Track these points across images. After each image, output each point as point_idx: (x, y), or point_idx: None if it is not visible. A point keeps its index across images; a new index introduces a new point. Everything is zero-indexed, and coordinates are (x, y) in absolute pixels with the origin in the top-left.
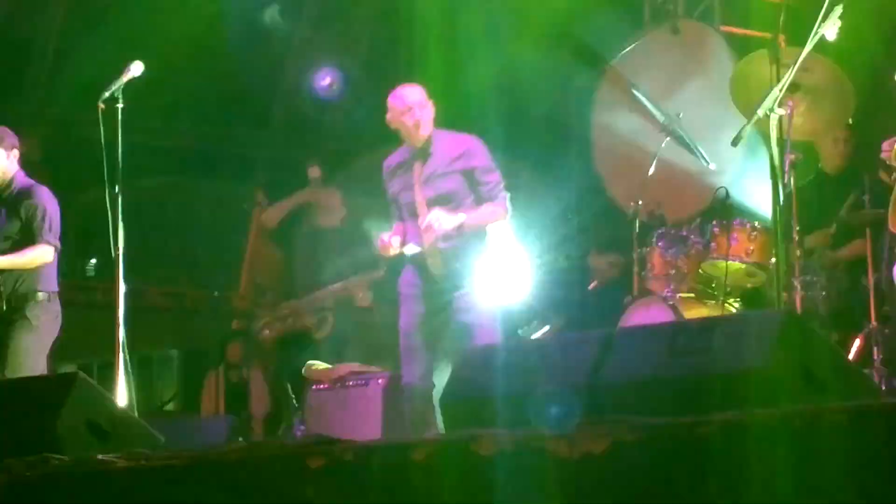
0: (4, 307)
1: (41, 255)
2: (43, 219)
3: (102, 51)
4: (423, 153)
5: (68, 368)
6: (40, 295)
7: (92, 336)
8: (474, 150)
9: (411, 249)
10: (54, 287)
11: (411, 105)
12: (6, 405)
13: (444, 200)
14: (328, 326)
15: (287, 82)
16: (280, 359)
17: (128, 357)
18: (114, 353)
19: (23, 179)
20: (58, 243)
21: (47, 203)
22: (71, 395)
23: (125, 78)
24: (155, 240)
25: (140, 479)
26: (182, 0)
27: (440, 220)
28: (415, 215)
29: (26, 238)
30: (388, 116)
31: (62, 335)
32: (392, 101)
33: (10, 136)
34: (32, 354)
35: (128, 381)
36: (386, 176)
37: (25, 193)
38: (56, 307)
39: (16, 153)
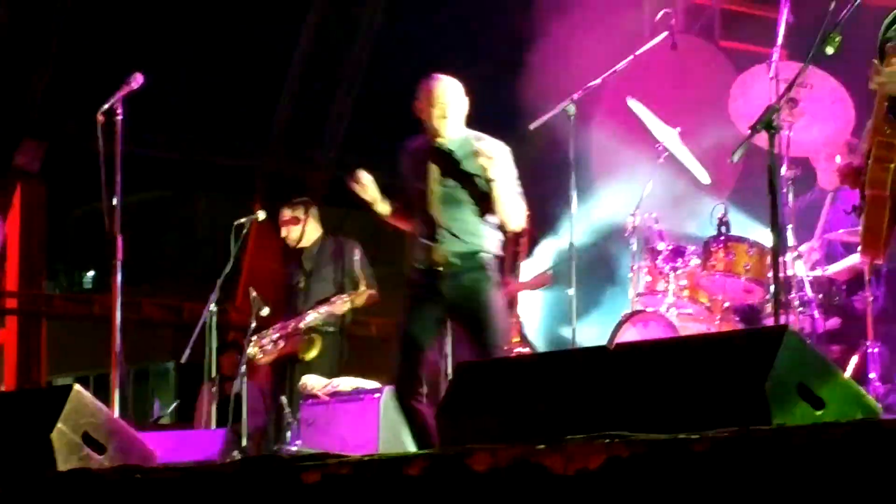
0: None
1: None
2: None
3: (102, 61)
4: (444, 149)
5: (65, 380)
6: None
7: (89, 348)
8: (493, 154)
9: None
10: None
11: (444, 97)
12: (2, 417)
13: (453, 201)
14: (315, 349)
15: (287, 95)
16: (275, 376)
17: (124, 370)
18: (110, 366)
19: None
20: None
21: None
22: (67, 408)
23: (125, 90)
24: (153, 252)
25: (134, 493)
26: (184, 12)
27: None
28: (424, 208)
29: None
30: (418, 103)
31: (59, 348)
32: (424, 89)
33: None
34: None
35: (124, 394)
36: (404, 157)
37: None
38: None
39: None
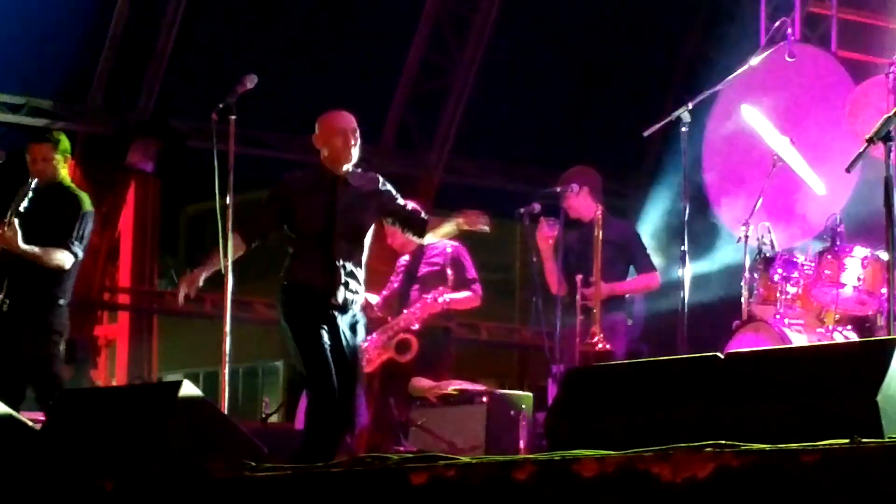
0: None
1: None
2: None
3: (217, 61)
4: (342, 181)
5: (174, 377)
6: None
7: (199, 346)
8: (384, 186)
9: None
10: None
11: (355, 129)
12: (115, 412)
13: (356, 235)
14: (411, 351)
15: (399, 97)
16: (382, 377)
17: (234, 368)
18: (220, 364)
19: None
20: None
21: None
22: (177, 404)
23: (239, 90)
24: (263, 252)
25: (243, 489)
26: (298, 13)
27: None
28: (324, 243)
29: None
30: (329, 131)
31: (170, 344)
32: (337, 119)
33: None
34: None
35: (234, 392)
36: (292, 192)
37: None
38: None
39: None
